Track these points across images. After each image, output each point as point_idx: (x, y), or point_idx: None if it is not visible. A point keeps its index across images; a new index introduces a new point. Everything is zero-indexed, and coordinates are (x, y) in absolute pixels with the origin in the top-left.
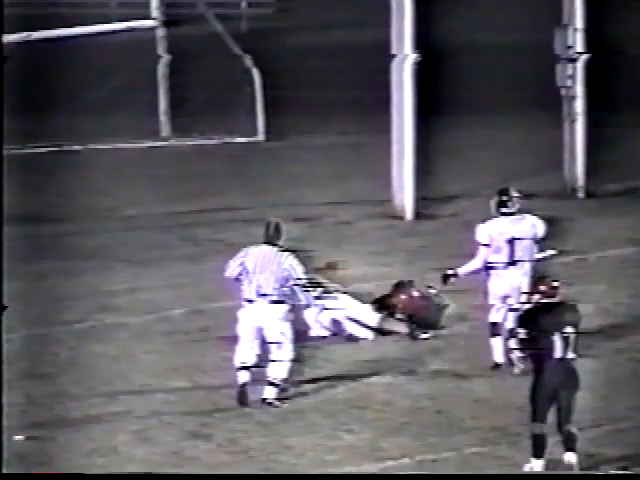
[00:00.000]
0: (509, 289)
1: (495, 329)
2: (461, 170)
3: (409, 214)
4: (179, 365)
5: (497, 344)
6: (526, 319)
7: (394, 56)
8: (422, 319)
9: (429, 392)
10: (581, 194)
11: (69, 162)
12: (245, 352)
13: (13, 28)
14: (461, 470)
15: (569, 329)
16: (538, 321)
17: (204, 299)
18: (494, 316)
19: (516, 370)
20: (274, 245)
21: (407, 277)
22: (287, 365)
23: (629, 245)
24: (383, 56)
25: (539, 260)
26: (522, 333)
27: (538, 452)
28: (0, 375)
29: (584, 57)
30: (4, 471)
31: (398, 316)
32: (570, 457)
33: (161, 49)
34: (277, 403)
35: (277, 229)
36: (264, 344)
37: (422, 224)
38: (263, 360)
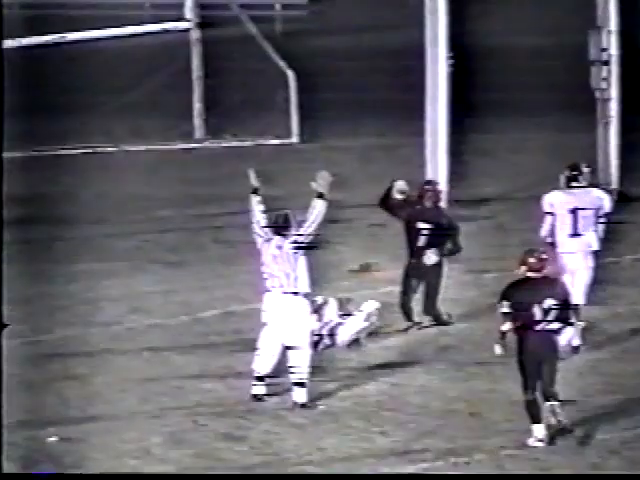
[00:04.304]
0: (575, 263)
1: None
2: (495, 172)
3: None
4: (212, 367)
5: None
6: (508, 291)
7: (428, 58)
8: (445, 222)
9: (462, 394)
10: (615, 196)
11: (103, 164)
12: (264, 357)
13: (48, 29)
14: (495, 472)
15: (549, 302)
16: (519, 294)
17: (238, 301)
18: None
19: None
20: (284, 236)
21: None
22: (307, 361)
23: None
24: (417, 58)
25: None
26: (505, 306)
27: (535, 417)
28: (0, 376)
29: (618, 59)
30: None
31: (427, 205)
32: (554, 406)
33: (195, 51)
34: (310, 404)
35: (286, 220)
36: (286, 347)
37: None
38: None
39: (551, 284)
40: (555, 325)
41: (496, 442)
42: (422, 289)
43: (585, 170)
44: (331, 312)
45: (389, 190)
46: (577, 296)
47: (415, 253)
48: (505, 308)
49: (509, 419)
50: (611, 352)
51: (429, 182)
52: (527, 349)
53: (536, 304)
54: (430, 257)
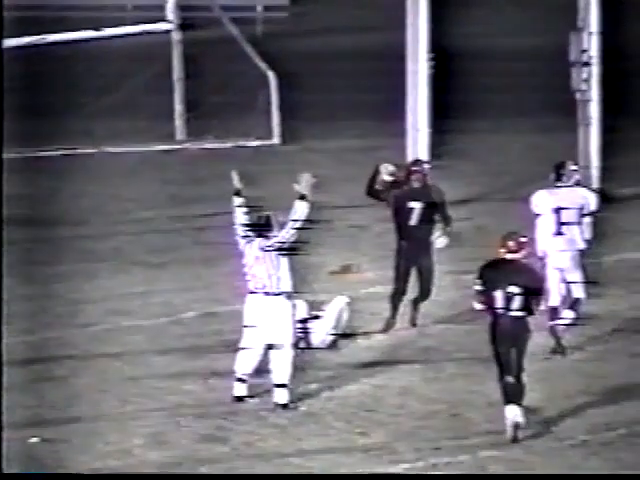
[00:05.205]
0: (561, 262)
1: (554, 314)
2: (475, 174)
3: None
4: (193, 368)
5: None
6: (483, 271)
7: (409, 59)
8: (436, 199)
9: (443, 395)
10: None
11: (84, 165)
12: (245, 358)
13: (29, 31)
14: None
15: (515, 287)
16: (493, 273)
17: (218, 302)
18: (554, 299)
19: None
20: (266, 237)
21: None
22: (289, 362)
23: None
24: (398, 59)
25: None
26: (477, 285)
27: (509, 398)
28: (0, 375)
29: (599, 61)
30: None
31: (415, 185)
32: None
33: (176, 52)
34: (291, 405)
35: (268, 221)
36: (268, 348)
37: None
38: (265, 365)
39: (525, 268)
40: (522, 308)
41: (477, 443)
42: (416, 274)
43: (572, 169)
44: (300, 313)
45: (374, 176)
46: (576, 294)
47: (405, 234)
48: (479, 287)
49: (490, 420)
50: (592, 353)
51: (416, 162)
52: (497, 332)
53: (506, 285)
54: (441, 241)
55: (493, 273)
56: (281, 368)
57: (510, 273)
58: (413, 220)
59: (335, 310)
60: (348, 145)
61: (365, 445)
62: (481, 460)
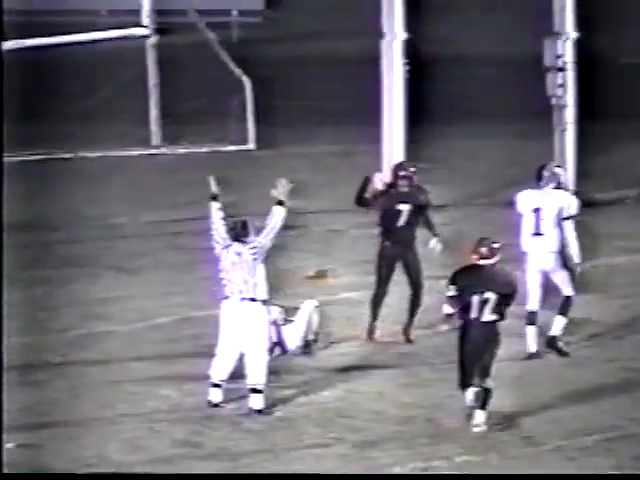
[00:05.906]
0: (540, 262)
1: (531, 317)
2: (451, 179)
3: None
4: (169, 373)
5: (531, 333)
6: (456, 276)
7: (384, 65)
8: (423, 201)
9: (419, 401)
10: None
11: (59, 170)
12: (221, 363)
13: (4, 36)
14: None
15: (489, 292)
16: (466, 279)
17: (194, 307)
18: (532, 304)
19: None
20: (243, 243)
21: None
22: (264, 368)
23: (619, 254)
24: (374, 65)
25: None
26: (451, 290)
27: (464, 384)
28: (0, 376)
29: (574, 66)
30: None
31: (403, 189)
32: (479, 416)
33: (152, 57)
34: (266, 410)
35: (244, 227)
36: (243, 353)
37: None
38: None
39: (498, 273)
40: (494, 314)
41: (452, 448)
42: (404, 272)
43: (554, 171)
44: (274, 318)
45: (364, 186)
46: (565, 292)
47: (392, 235)
48: (451, 292)
49: (466, 425)
50: (568, 358)
51: (402, 165)
52: (466, 338)
53: (479, 291)
54: (436, 245)
55: (466, 278)
56: (256, 373)
57: (483, 278)
58: (401, 221)
59: (305, 314)
60: (324, 150)
61: (340, 450)
62: (457, 465)
